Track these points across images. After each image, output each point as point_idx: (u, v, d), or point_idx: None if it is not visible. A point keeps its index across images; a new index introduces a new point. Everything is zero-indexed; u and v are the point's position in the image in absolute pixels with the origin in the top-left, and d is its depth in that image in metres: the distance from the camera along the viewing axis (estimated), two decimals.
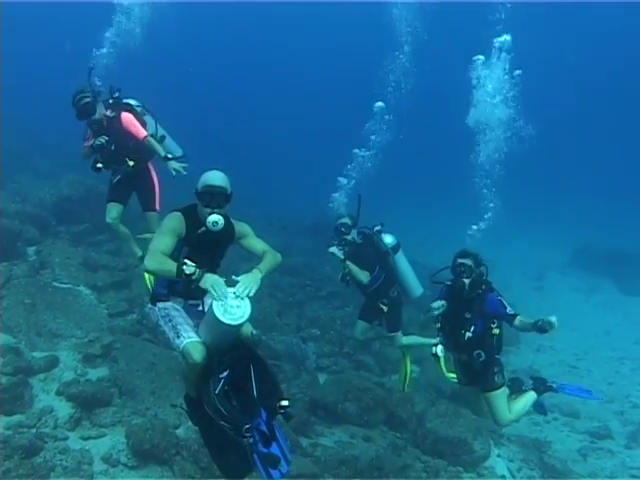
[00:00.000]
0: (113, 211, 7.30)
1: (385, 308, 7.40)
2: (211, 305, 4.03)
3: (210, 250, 4.55)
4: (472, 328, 6.05)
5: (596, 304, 17.57)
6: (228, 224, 4.51)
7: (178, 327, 4.35)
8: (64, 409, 7.26)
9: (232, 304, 3.99)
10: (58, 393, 7.51)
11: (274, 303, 12.08)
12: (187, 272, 4.00)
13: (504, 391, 6.36)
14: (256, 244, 4.75)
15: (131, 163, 7.12)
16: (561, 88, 39.89)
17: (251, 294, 4.09)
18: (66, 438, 6.83)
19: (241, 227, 4.73)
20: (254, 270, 4.34)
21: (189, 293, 4.53)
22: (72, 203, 12.44)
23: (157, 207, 7.41)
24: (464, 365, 6.39)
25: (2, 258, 9.74)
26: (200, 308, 4.60)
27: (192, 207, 4.51)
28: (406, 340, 7.76)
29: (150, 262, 4.10)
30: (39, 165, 16.88)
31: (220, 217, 4.33)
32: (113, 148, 6.94)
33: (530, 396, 6.63)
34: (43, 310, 8.98)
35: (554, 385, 6.82)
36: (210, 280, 4.05)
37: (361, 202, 7.22)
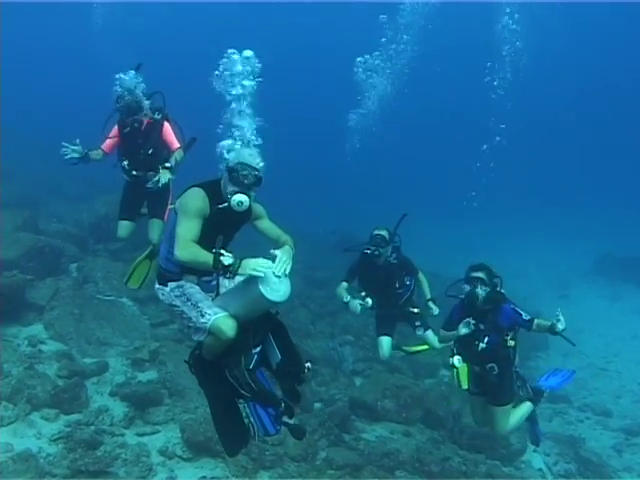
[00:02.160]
0: (126, 229, 7.54)
1: (417, 310, 7.52)
2: (250, 281, 3.93)
3: (225, 228, 4.29)
4: (485, 339, 6.03)
5: (622, 310, 17.62)
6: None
7: (200, 305, 4.11)
8: (119, 408, 7.65)
9: (275, 281, 3.92)
10: (112, 394, 7.91)
11: (307, 313, 12.43)
12: (226, 263, 3.83)
13: (510, 407, 6.39)
14: (271, 227, 4.59)
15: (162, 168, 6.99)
16: (578, 93, 40.05)
17: (287, 271, 3.99)
18: (123, 434, 7.21)
19: (257, 208, 4.51)
20: (286, 247, 4.27)
21: (202, 269, 4.25)
22: (109, 222, 12.85)
23: (165, 217, 7.32)
24: (477, 377, 6.34)
25: (47, 274, 10.18)
26: (214, 282, 4.40)
27: (214, 183, 4.29)
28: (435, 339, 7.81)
29: (184, 253, 3.88)
30: (67, 190, 17.36)
31: (247, 198, 4.09)
32: (150, 152, 7.04)
33: (527, 407, 6.64)
34: (90, 320, 9.41)
35: (546, 390, 6.81)
36: (251, 265, 3.86)
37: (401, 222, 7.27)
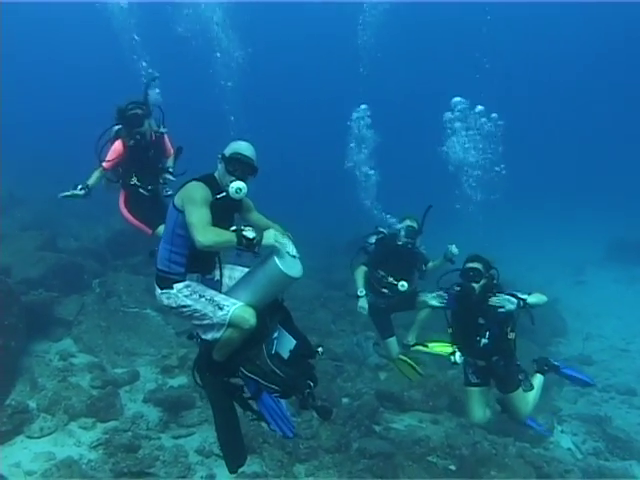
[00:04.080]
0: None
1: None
2: (267, 263, 4.09)
3: (221, 218, 4.25)
4: (487, 334, 6.03)
5: (639, 292, 17.68)
6: None
7: (216, 299, 4.18)
8: (153, 413, 7.84)
9: (290, 259, 4.12)
10: (145, 400, 8.12)
11: (327, 313, 12.59)
12: (250, 236, 3.95)
13: (522, 390, 6.33)
14: (261, 218, 4.73)
15: (172, 177, 7.20)
16: (585, 81, 40.00)
17: (296, 252, 4.21)
18: (159, 438, 7.40)
19: (246, 200, 4.65)
20: (286, 234, 4.43)
21: (206, 267, 4.46)
22: (126, 237, 13.07)
23: None
24: (482, 370, 6.38)
25: (72, 290, 10.42)
26: (217, 278, 4.50)
27: (209, 176, 4.41)
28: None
29: (208, 237, 3.89)
30: (78, 210, 17.56)
31: (244, 185, 4.25)
32: (161, 166, 7.21)
33: (539, 379, 6.63)
34: (117, 332, 9.63)
35: (556, 363, 6.78)
36: (272, 236, 4.05)
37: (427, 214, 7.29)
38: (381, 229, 7.61)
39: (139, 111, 6.82)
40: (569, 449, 8.90)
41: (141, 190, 7.08)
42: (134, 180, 7.03)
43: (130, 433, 7.28)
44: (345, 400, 9.14)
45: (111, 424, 7.47)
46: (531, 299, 5.87)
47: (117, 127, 6.93)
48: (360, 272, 7.40)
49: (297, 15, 40.58)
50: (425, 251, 7.67)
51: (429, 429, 8.62)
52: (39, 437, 7.00)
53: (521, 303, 5.80)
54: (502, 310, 5.82)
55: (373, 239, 7.59)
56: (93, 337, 9.30)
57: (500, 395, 6.57)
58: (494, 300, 5.87)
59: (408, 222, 7.37)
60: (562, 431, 9.39)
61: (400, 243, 7.32)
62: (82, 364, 8.67)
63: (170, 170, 7.28)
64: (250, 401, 4.64)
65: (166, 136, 7.27)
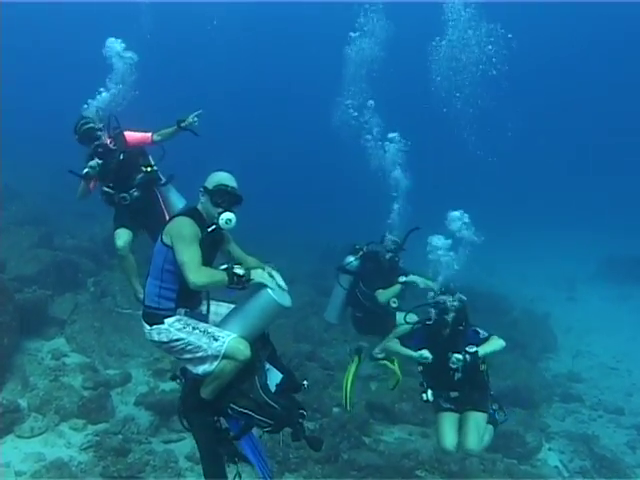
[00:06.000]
0: (124, 235, 6.84)
1: None
2: (259, 294, 4.18)
3: (208, 253, 4.37)
4: (460, 367, 5.93)
5: (630, 310, 17.66)
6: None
7: (210, 330, 4.20)
8: (144, 417, 7.85)
9: (279, 291, 4.21)
10: (136, 403, 8.12)
11: (319, 321, 12.56)
12: (240, 273, 4.07)
13: (487, 417, 6.26)
14: (239, 250, 4.79)
15: (146, 170, 7.03)
16: (576, 93, 40.13)
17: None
18: (150, 442, 7.39)
19: (227, 232, 4.68)
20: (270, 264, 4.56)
21: (194, 301, 4.49)
22: None
23: None
24: (456, 400, 6.27)
25: (66, 289, 10.42)
26: (205, 312, 4.55)
27: (194, 210, 4.45)
28: None
29: (200, 277, 4.00)
30: (76, 207, 17.49)
31: (234, 215, 4.32)
32: (122, 158, 6.89)
33: (492, 430, 6.42)
34: (110, 333, 9.63)
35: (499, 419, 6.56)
36: (260, 274, 4.21)
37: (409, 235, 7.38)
38: (358, 246, 7.68)
39: (88, 126, 6.77)
40: (556, 467, 8.94)
41: (114, 196, 6.95)
42: (105, 188, 6.97)
43: (121, 436, 7.28)
44: (336, 410, 9.15)
45: (102, 426, 7.48)
46: (482, 350, 5.93)
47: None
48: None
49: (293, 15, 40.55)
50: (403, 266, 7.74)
51: (418, 442, 8.65)
52: (29, 437, 7.00)
53: (467, 357, 5.86)
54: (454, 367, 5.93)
55: (352, 258, 7.63)
56: (86, 337, 9.29)
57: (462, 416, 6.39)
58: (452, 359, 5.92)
59: (391, 236, 7.46)
60: (550, 449, 9.43)
61: (387, 257, 7.41)
62: (74, 364, 8.67)
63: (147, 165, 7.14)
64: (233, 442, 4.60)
65: (126, 133, 7.04)
